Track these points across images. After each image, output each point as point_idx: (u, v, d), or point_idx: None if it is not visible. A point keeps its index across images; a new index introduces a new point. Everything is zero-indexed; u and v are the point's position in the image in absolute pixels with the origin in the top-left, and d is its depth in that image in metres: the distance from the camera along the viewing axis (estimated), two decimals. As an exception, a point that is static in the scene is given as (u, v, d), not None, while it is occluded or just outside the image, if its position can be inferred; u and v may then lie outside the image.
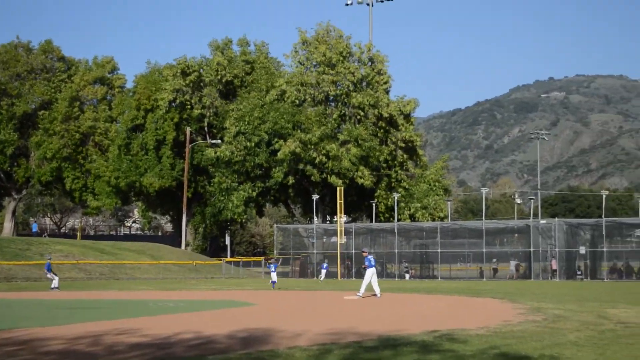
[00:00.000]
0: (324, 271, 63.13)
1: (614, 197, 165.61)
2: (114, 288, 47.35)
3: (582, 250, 63.81)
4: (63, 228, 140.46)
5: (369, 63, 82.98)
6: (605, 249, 62.32)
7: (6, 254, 60.69)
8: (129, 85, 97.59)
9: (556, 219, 68.52)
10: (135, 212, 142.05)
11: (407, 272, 68.28)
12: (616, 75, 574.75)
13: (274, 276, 47.79)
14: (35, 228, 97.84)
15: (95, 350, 16.02)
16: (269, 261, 54.77)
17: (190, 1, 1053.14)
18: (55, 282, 45.19)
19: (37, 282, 53.83)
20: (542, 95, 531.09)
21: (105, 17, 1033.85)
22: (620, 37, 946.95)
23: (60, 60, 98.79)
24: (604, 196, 70.40)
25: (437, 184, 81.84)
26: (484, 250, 65.26)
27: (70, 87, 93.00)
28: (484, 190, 77.64)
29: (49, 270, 46.66)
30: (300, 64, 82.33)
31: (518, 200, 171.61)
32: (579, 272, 63.26)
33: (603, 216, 64.86)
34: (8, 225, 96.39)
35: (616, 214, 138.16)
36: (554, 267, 62.06)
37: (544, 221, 68.22)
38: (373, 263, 35.79)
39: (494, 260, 72.03)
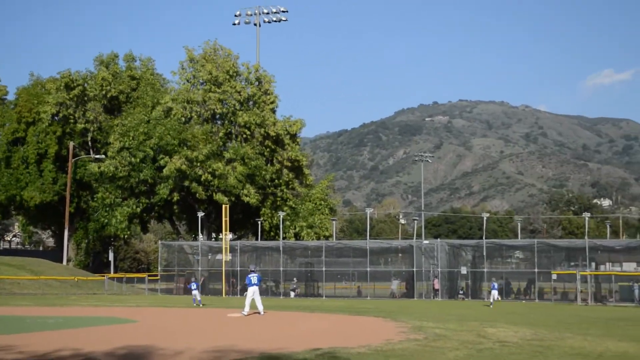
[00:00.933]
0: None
1: (495, 219, 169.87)
2: (-9, 304, 46.08)
3: (464, 270, 64.92)
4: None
5: (256, 83, 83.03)
6: (485, 270, 63.56)
7: None
8: (11, 97, 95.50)
9: (439, 240, 69.67)
10: (16, 226, 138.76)
11: (293, 290, 68.28)
12: (497, 101, 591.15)
13: (196, 294, 48.03)
14: None
15: (-32, 368, 15.58)
16: (191, 280, 55.41)
17: (76, 14, 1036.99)
18: None
19: None
20: (427, 119, 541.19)
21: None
22: (502, 65, 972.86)
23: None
24: (485, 218, 71.74)
25: (322, 203, 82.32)
26: (368, 269, 65.86)
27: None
28: (368, 210, 78.37)
29: None
30: (187, 81, 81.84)
31: (402, 221, 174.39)
32: (460, 292, 64.33)
33: (484, 237, 66.16)
34: None
35: (497, 235, 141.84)
36: (437, 286, 62.97)
37: (427, 241, 69.27)
38: (255, 282, 35.72)
39: (393, 279, 72.12)
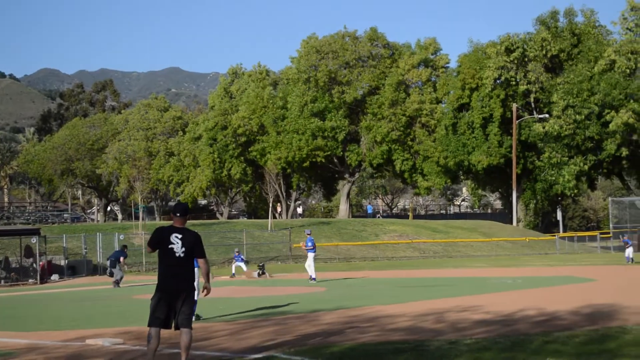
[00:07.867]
0: None
1: None
2: (449, 266, 48.04)
3: None
4: (395, 208, 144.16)
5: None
6: None
7: (344, 234, 63.42)
8: (452, 65, 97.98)
9: None
10: (464, 190, 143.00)
11: None
12: None
13: (629, 252, 47.12)
14: (370, 210, 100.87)
15: (440, 327, 16.38)
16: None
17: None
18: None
19: (373, 262, 55.74)
20: None
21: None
22: None
23: (385, 46, 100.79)
24: None
25: None
26: None
27: (395, 72, 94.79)
28: None
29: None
30: (630, 30, 78.98)
31: None
32: None
33: None
34: (343, 207, 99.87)
35: None
36: None
37: None
38: None
39: None
